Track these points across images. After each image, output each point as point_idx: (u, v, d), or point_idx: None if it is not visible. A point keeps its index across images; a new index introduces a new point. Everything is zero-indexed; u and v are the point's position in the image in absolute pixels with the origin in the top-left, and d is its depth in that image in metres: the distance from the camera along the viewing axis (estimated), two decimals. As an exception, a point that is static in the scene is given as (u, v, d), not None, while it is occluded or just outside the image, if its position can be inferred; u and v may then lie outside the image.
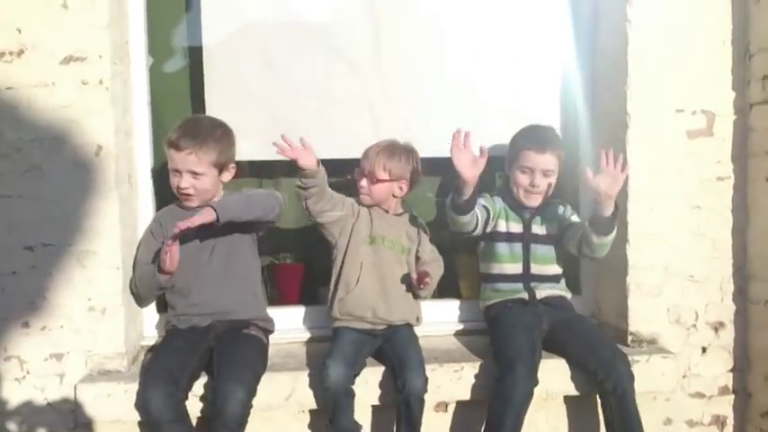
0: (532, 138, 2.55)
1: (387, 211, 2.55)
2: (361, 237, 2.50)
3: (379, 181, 2.48)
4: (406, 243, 2.56)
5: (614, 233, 2.43)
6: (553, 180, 2.56)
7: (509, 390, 2.22)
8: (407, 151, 2.53)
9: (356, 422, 2.31)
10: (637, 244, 2.56)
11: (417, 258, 2.59)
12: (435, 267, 2.59)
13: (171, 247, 2.29)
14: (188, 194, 2.41)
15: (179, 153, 2.36)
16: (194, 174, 2.38)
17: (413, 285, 2.48)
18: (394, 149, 2.51)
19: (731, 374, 2.69)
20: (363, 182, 2.50)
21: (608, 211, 2.37)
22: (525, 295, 2.55)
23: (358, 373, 2.32)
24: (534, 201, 2.58)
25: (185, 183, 2.39)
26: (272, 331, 2.52)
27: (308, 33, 2.70)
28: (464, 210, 2.41)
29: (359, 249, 2.49)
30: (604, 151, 2.38)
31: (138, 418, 2.24)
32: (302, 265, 2.96)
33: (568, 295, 2.65)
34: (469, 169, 2.32)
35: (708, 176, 2.61)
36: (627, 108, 2.54)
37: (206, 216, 2.24)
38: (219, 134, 2.41)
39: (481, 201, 2.55)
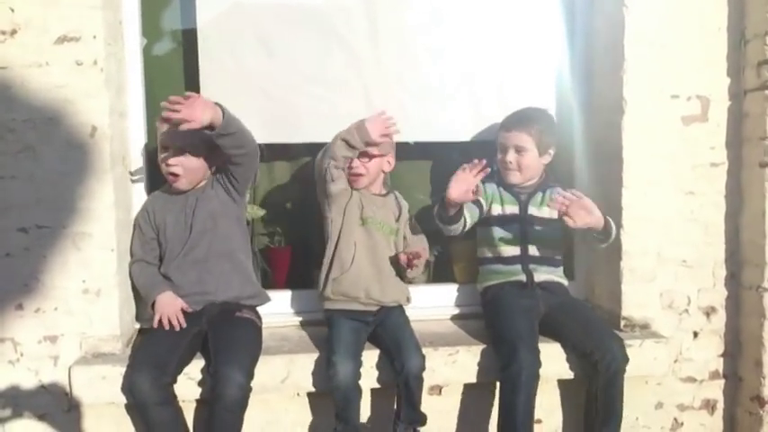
0: (508, 117, 2.61)
1: (373, 194, 2.56)
2: (354, 218, 2.50)
3: (372, 157, 2.49)
4: (394, 224, 2.57)
5: (614, 231, 2.49)
6: (529, 157, 2.55)
7: (516, 375, 2.23)
8: None
9: (362, 423, 2.33)
10: (630, 229, 2.57)
11: (404, 238, 2.60)
12: (423, 249, 2.59)
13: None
14: (176, 173, 2.39)
15: (163, 125, 2.34)
16: (183, 151, 2.37)
17: (401, 267, 2.49)
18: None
19: (722, 359, 2.71)
20: (356, 162, 2.48)
21: (599, 227, 2.44)
22: (523, 277, 2.56)
23: (362, 364, 2.31)
24: (513, 177, 2.59)
25: (174, 161, 2.38)
26: (264, 303, 2.52)
27: (304, 15, 2.68)
28: (451, 222, 2.48)
29: (353, 230, 2.49)
30: (555, 199, 2.42)
31: (133, 401, 2.24)
32: (296, 247, 2.95)
33: (565, 282, 2.66)
34: (460, 195, 2.38)
35: (702, 162, 2.62)
36: (623, 93, 2.54)
37: (212, 110, 2.18)
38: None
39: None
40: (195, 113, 2.16)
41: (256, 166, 2.43)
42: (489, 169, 2.40)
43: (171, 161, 2.37)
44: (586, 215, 2.39)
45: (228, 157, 2.33)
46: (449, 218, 2.46)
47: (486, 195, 2.62)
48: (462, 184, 2.38)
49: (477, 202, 2.56)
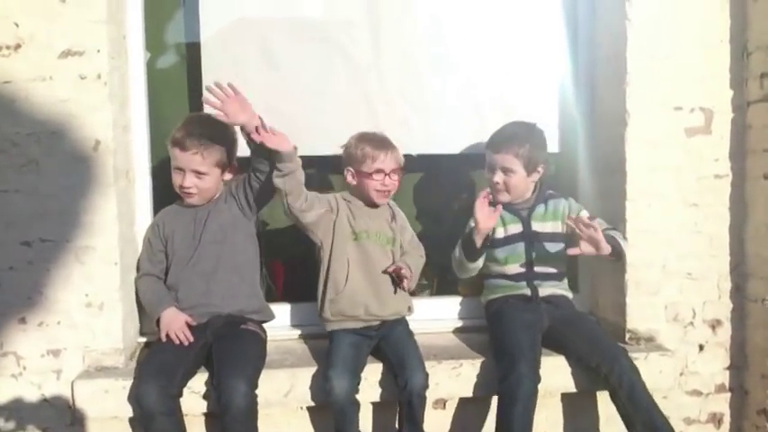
0: (493, 136, 2.58)
1: (366, 205, 2.52)
2: (344, 234, 2.47)
3: (401, 171, 2.51)
4: (390, 233, 2.54)
5: (624, 250, 2.49)
6: (516, 178, 2.53)
7: (513, 388, 2.22)
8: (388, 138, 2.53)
9: None
10: (635, 242, 2.56)
11: (401, 247, 2.57)
12: (415, 257, 2.56)
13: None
14: (190, 193, 2.42)
15: (184, 153, 2.36)
16: (198, 173, 2.39)
17: (393, 281, 2.48)
18: (386, 139, 2.50)
19: (728, 372, 2.69)
20: (388, 180, 2.45)
21: (606, 253, 2.41)
22: (528, 292, 2.55)
23: (360, 380, 2.30)
24: (502, 197, 2.56)
25: (189, 182, 2.39)
26: (269, 321, 2.53)
27: (307, 28, 2.70)
28: (476, 257, 2.50)
29: (344, 247, 2.46)
30: (569, 220, 2.43)
31: (136, 415, 2.23)
32: (299, 260, 2.94)
33: (570, 295, 2.65)
34: (486, 222, 2.44)
35: (706, 174, 2.61)
36: (626, 106, 2.54)
37: (255, 116, 2.25)
38: (224, 135, 2.41)
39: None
40: (231, 110, 2.23)
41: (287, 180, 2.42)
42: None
43: (186, 184, 2.39)
44: (597, 246, 2.38)
45: (255, 171, 2.37)
46: (474, 253, 2.48)
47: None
48: (484, 211, 2.42)
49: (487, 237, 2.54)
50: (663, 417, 2.27)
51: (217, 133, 2.39)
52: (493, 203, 2.49)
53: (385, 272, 2.47)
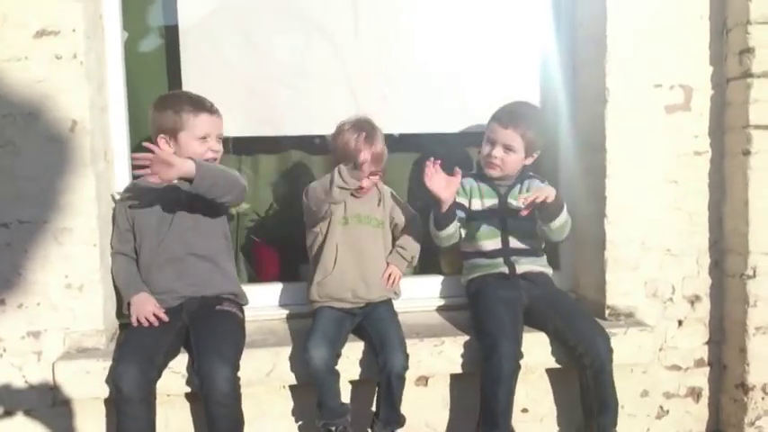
0: (504, 111, 2.56)
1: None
2: (336, 219, 2.48)
3: (377, 174, 2.48)
4: (380, 215, 2.54)
5: (561, 217, 2.45)
6: (515, 158, 2.54)
7: (496, 368, 2.24)
8: (378, 129, 2.50)
9: (343, 403, 2.32)
10: (614, 218, 2.58)
11: (395, 225, 2.58)
12: (409, 242, 2.56)
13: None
14: (218, 158, 2.45)
15: (213, 116, 2.41)
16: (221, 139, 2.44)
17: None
18: (375, 134, 2.46)
19: (707, 347, 2.72)
20: (366, 182, 2.43)
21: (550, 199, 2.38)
22: (506, 269, 2.56)
23: (340, 353, 2.31)
24: (493, 170, 2.57)
25: (217, 147, 2.43)
26: (244, 304, 2.51)
27: (286, 7, 2.67)
28: (446, 223, 2.47)
29: (334, 232, 2.47)
30: (520, 200, 2.39)
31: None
32: (281, 241, 2.95)
33: (549, 271, 2.66)
34: (445, 191, 2.42)
35: (685, 151, 2.63)
36: (606, 83, 2.54)
37: (184, 167, 2.18)
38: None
39: (457, 198, 2.54)
40: (158, 170, 2.17)
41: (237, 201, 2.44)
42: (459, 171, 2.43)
43: (216, 148, 2.43)
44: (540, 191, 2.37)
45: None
46: (443, 219, 2.46)
47: (465, 191, 2.61)
48: (438, 182, 2.39)
49: (460, 206, 2.56)
50: (616, 400, 2.34)
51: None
52: (477, 175, 2.49)
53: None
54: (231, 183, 2.32)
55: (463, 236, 2.59)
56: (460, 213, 2.55)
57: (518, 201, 2.43)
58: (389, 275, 2.51)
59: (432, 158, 2.42)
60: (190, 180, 2.21)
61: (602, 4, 2.55)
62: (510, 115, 2.53)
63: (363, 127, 2.46)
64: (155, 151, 2.18)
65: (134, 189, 2.46)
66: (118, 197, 2.50)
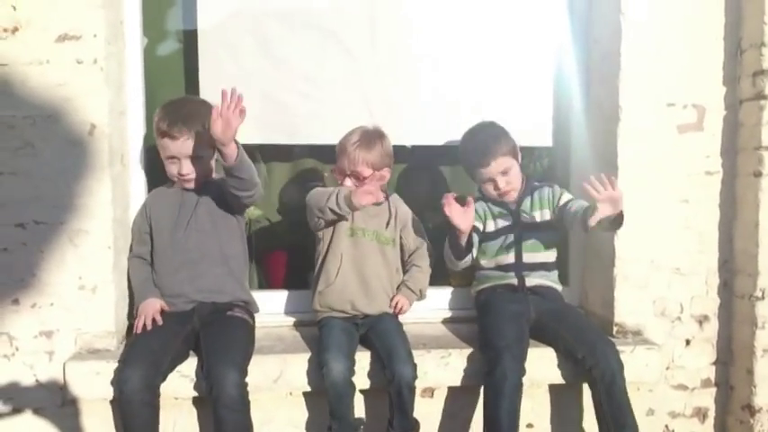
0: (473, 154, 2.57)
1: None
2: (342, 229, 2.50)
3: (364, 179, 2.47)
4: (390, 233, 2.55)
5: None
6: (516, 170, 2.57)
7: (499, 382, 2.25)
8: (380, 137, 2.52)
9: (357, 417, 2.33)
10: (624, 236, 2.57)
11: (402, 246, 2.59)
12: (420, 271, 2.59)
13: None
14: (190, 179, 2.43)
15: (175, 141, 2.36)
16: (194, 158, 2.39)
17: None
18: (369, 140, 2.49)
19: (714, 367, 2.72)
20: (348, 182, 2.48)
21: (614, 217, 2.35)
22: (515, 281, 2.58)
23: (354, 363, 2.31)
24: (511, 197, 2.60)
25: (187, 169, 2.41)
26: (255, 312, 2.53)
27: (304, 17, 2.70)
28: (464, 254, 2.52)
29: (340, 242, 2.49)
30: (590, 181, 2.27)
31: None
32: (290, 249, 2.97)
33: (559, 287, 2.67)
34: (463, 221, 2.42)
35: (697, 170, 2.63)
36: (619, 101, 2.55)
37: (231, 143, 2.19)
38: (207, 112, 2.34)
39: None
40: (221, 128, 2.16)
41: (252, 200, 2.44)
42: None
43: (184, 171, 2.40)
44: (612, 207, 2.29)
45: (227, 188, 2.34)
46: (462, 252, 2.50)
47: (479, 215, 2.62)
48: (456, 212, 2.39)
49: (476, 230, 2.57)
50: (633, 418, 2.30)
51: (199, 113, 2.35)
52: (462, 199, 2.49)
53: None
54: (255, 181, 2.34)
55: (475, 254, 2.60)
56: (475, 237, 2.58)
57: (589, 221, 2.31)
58: (397, 303, 2.53)
59: (447, 193, 2.42)
60: (223, 162, 2.24)
61: (617, 22, 2.56)
62: (481, 152, 2.54)
63: (366, 133, 2.50)
64: (230, 109, 2.15)
65: (156, 194, 2.51)
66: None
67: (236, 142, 2.22)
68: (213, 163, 2.50)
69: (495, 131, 2.60)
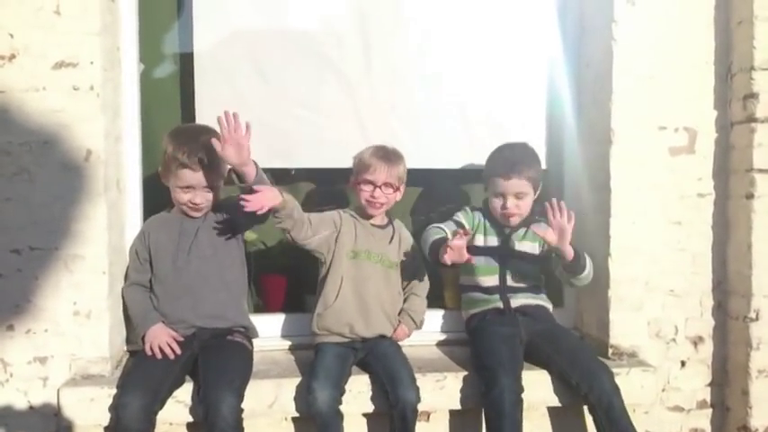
0: (501, 162, 2.58)
1: (373, 224, 2.56)
2: (343, 251, 2.50)
3: (396, 190, 2.51)
4: (394, 257, 2.56)
5: (588, 268, 2.51)
6: (528, 200, 2.57)
7: (498, 402, 2.24)
8: (400, 154, 2.55)
9: None
10: (618, 258, 2.59)
11: (402, 271, 2.59)
12: (419, 306, 2.60)
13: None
14: (201, 209, 2.44)
15: (195, 173, 2.36)
16: (209, 188, 2.41)
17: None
18: (395, 154, 2.53)
19: (709, 388, 2.73)
20: (378, 192, 2.47)
21: (568, 256, 2.43)
22: (500, 304, 2.58)
23: (344, 392, 2.31)
24: (512, 220, 2.60)
25: (201, 199, 2.41)
26: (254, 338, 2.53)
27: (299, 42, 2.73)
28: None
29: (341, 264, 2.49)
30: (549, 203, 2.40)
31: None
32: (287, 273, 2.97)
33: (549, 306, 2.67)
34: (461, 258, 2.34)
35: (689, 193, 2.66)
36: (611, 124, 2.58)
37: (249, 163, 2.24)
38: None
39: (461, 218, 2.62)
40: (264, 203, 2.22)
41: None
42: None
43: (198, 201, 2.41)
44: (558, 239, 2.39)
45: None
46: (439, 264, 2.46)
47: (474, 223, 2.64)
48: (456, 256, 2.34)
49: (461, 227, 2.54)
50: None
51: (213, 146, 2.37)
52: (486, 214, 2.56)
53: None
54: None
55: (462, 266, 2.57)
56: (462, 219, 2.60)
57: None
58: (398, 333, 2.55)
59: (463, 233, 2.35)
60: (243, 182, 2.27)
61: (608, 45, 2.59)
62: (509, 165, 2.55)
63: (388, 149, 2.53)
64: (236, 131, 2.21)
65: (154, 220, 2.51)
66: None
67: (280, 190, 2.27)
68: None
69: (533, 157, 2.62)
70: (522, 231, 2.64)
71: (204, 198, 2.42)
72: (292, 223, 2.36)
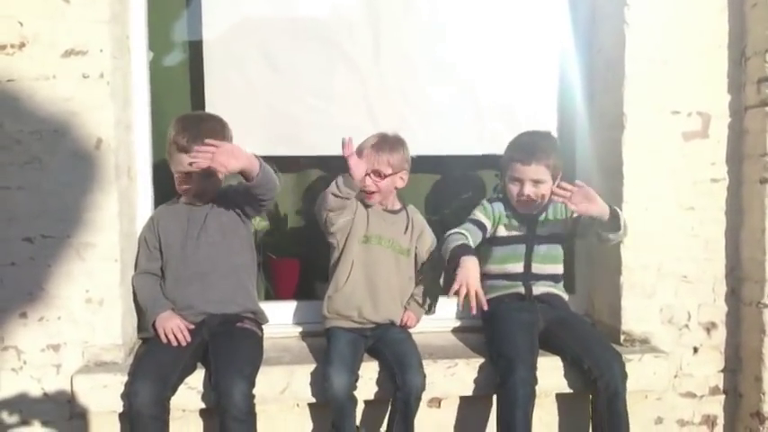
0: (520, 148, 2.56)
1: (385, 210, 2.56)
2: (356, 236, 2.50)
3: (385, 176, 2.48)
4: (405, 243, 2.56)
5: (623, 220, 2.45)
6: (546, 188, 2.52)
7: (513, 393, 2.24)
8: (400, 141, 2.54)
9: (359, 427, 2.34)
10: (631, 244, 2.58)
11: (416, 257, 2.59)
12: (431, 277, 2.60)
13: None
14: (199, 194, 2.44)
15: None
16: (208, 175, 2.39)
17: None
18: (389, 141, 2.51)
19: (722, 375, 2.71)
20: (368, 181, 2.47)
21: (605, 217, 2.41)
22: (522, 290, 2.57)
23: (358, 377, 2.32)
24: (528, 208, 2.58)
25: (198, 184, 2.41)
26: (264, 323, 2.53)
27: (309, 29, 2.72)
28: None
29: (352, 248, 2.49)
30: (556, 192, 2.41)
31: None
32: (298, 259, 2.98)
33: (565, 296, 2.66)
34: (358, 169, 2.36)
35: (702, 178, 2.63)
36: (623, 109, 2.56)
37: (249, 161, 2.22)
38: (224, 130, 2.41)
39: (478, 215, 2.58)
40: (223, 161, 2.20)
41: (272, 202, 2.44)
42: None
43: (196, 187, 2.41)
44: (589, 204, 2.38)
45: (252, 197, 2.36)
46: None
47: (493, 216, 2.61)
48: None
49: (480, 225, 2.55)
50: (628, 426, 2.31)
51: (215, 130, 2.36)
52: (507, 204, 2.58)
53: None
54: (275, 183, 2.36)
55: (483, 255, 2.60)
56: (476, 233, 2.53)
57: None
58: (405, 319, 2.55)
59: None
60: (246, 177, 2.26)
61: (621, 30, 2.57)
62: (529, 150, 2.52)
63: (385, 136, 2.51)
64: (217, 145, 2.21)
65: (164, 209, 2.52)
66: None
67: (257, 157, 2.26)
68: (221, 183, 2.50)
69: (554, 144, 2.60)
70: (544, 215, 2.63)
71: (205, 184, 2.40)
72: (348, 204, 2.37)
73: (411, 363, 2.31)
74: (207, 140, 2.23)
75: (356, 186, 2.35)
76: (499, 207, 2.63)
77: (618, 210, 2.45)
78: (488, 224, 2.60)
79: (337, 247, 2.52)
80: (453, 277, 2.30)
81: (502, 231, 2.62)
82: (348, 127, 2.66)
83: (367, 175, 2.45)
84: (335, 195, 2.35)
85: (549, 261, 2.62)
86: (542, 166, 2.51)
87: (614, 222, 2.43)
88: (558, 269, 2.65)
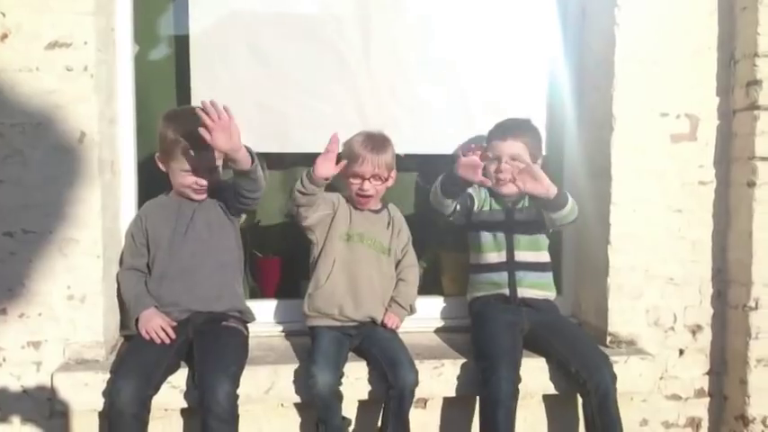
0: (498, 127, 2.60)
1: (367, 209, 2.54)
2: (337, 233, 2.48)
3: (385, 180, 2.49)
4: (386, 242, 2.54)
5: (570, 201, 2.43)
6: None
7: (495, 391, 2.24)
8: (387, 139, 2.52)
9: (344, 417, 2.32)
10: (618, 245, 2.58)
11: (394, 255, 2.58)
12: (406, 290, 2.56)
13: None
14: (205, 190, 2.41)
15: (199, 155, 2.33)
16: (213, 169, 2.38)
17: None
18: (382, 143, 2.49)
19: (707, 377, 2.71)
20: (367, 185, 2.46)
21: (551, 194, 2.39)
22: (507, 291, 2.56)
23: (342, 375, 2.31)
24: (506, 188, 2.56)
25: (206, 179, 2.39)
26: (250, 321, 2.51)
27: (297, 24, 2.69)
28: (452, 195, 2.49)
29: (334, 246, 2.48)
30: (504, 169, 2.48)
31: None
32: (283, 258, 2.95)
33: (552, 295, 2.64)
34: (473, 176, 2.39)
35: (690, 180, 2.63)
36: (612, 110, 2.56)
37: (240, 149, 2.20)
38: None
39: (469, 189, 2.58)
40: (216, 134, 2.17)
41: (259, 195, 2.41)
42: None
43: (204, 182, 2.38)
44: (534, 183, 2.37)
45: (238, 192, 2.33)
46: (452, 192, 2.47)
47: (480, 197, 2.63)
48: (469, 168, 2.38)
49: (469, 197, 2.58)
50: (621, 427, 2.31)
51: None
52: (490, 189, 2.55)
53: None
54: (262, 183, 2.34)
55: (470, 243, 2.63)
56: (464, 199, 2.57)
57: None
58: (388, 321, 2.51)
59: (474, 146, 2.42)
60: (233, 165, 2.24)
61: (611, 30, 2.56)
62: (505, 127, 2.57)
63: (373, 136, 2.50)
64: (221, 117, 2.17)
65: (151, 204, 2.48)
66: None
67: (249, 150, 2.24)
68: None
69: (532, 127, 2.63)
70: (523, 201, 2.63)
71: (209, 178, 2.39)
72: (314, 201, 2.35)
73: (402, 360, 2.30)
74: (213, 102, 2.19)
75: (321, 183, 2.32)
76: (485, 192, 2.65)
77: (567, 194, 2.44)
78: (476, 198, 2.61)
79: (317, 244, 2.50)
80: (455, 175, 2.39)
81: (485, 215, 2.63)
82: (337, 124, 2.64)
83: (366, 180, 2.45)
84: (300, 192, 2.34)
85: (532, 248, 2.61)
86: (519, 141, 2.53)
87: (558, 201, 2.41)
88: (543, 256, 2.64)
